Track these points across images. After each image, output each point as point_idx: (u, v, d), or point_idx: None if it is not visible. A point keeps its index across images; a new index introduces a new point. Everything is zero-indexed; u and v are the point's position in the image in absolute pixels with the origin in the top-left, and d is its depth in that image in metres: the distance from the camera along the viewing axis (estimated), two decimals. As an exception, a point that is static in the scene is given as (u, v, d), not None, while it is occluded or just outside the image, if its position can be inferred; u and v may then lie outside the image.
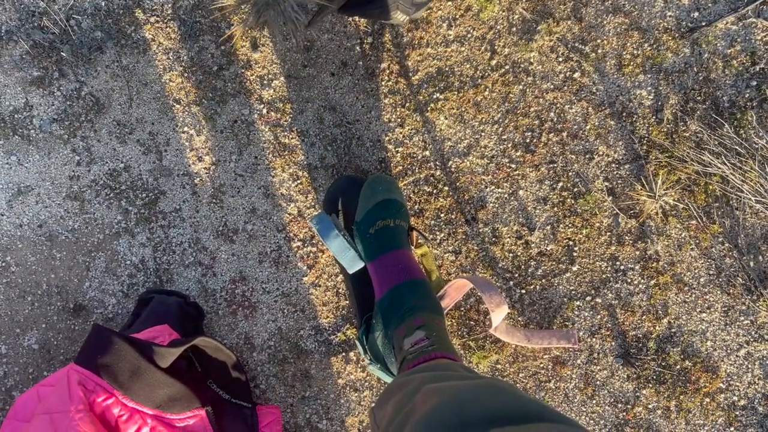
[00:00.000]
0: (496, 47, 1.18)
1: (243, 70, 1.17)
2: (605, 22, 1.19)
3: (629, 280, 1.20)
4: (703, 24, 1.20)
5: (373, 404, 1.19)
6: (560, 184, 1.20)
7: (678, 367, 1.20)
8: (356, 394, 1.19)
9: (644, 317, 1.20)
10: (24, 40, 1.13)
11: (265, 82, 1.17)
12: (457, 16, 1.18)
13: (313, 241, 1.18)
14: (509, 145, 1.19)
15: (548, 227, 1.20)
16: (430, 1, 1.07)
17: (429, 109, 1.19)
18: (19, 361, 1.15)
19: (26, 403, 0.99)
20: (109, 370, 0.94)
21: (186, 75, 1.16)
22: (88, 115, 1.15)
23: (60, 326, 1.15)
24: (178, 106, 1.16)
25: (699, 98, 1.20)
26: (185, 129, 1.16)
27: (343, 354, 1.18)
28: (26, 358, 1.15)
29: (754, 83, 1.19)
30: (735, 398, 1.20)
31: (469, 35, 1.18)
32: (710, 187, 1.20)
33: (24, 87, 1.14)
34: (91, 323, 1.13)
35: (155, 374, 0.96)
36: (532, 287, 1.20)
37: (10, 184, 1.14)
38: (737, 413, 1.20)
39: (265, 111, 1.17)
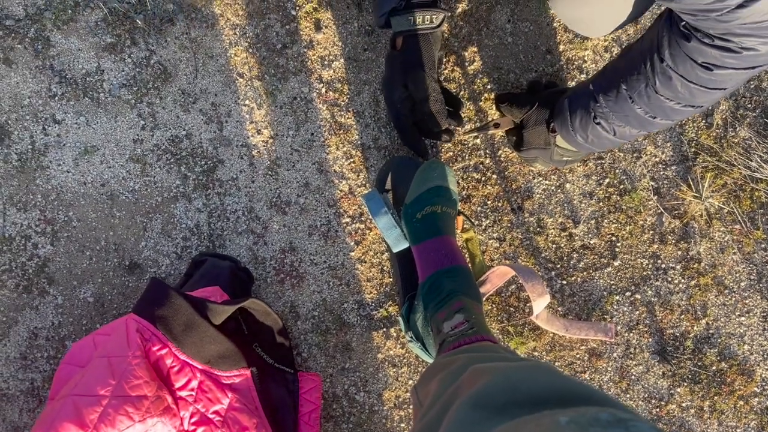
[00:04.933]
0: (551, 44, 1.21)
1: (305, 50, 1.21)
2: (662, 24, 1.21)
3: (670, 279, 1.21)
4: (759, 32, 1.21)
5: (411, 381, 1.21)
6: (607, 180, 1.22)
7: (714, 368, 1.21)
8: (394, 370, 1.22)
9: (683, 316, 1.21)
10: (101, 7, 1.18)
11: (325, 62, 1.21)
12: (516, 11, 1.21)
13: (362, 218, 1.21)
14: (559, 139, 1.21)
15: (592, 221, 1.22)
16: (566, 164, 1.14)
17: (483, 98, 1.22)
18: (74, 313, 1.19)
19: (82, 349, 1.03)
20: (165, 321, 0.98)
21: (251, 51, 1.20)
22: (155, 82, 1.20)
23: (115, 282, 1.19)
24: (241, 79, 1.20)
25: (749, 106, 1.22)
26: (246, 102, 1.20)
27: (384, 330, 1.21)
28: (81, 310, 1.19)
29: (807, 93, 1.20)
30: (769, 403, 1.21)
31: (527, 30, 1.21)
32: (756, 193, 1.21)
33: (97, 52, 1.19)
34: (145, 281, 1.17)
35: (208, 330, 1.00)
36: (573, 279, 1.22)
37: (77, 143, 1.19)
38: (771, 418, 1.21)
39: (323, 90, 1.21)
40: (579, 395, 0.61)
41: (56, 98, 1.19)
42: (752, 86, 1.22)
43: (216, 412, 0.99)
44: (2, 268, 1.18)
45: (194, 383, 0.99)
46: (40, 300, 1.19)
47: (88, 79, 1.19)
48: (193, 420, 0.98)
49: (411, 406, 1.20)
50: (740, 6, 0.64)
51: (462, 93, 1.22)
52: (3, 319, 1.18)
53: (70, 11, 1.19)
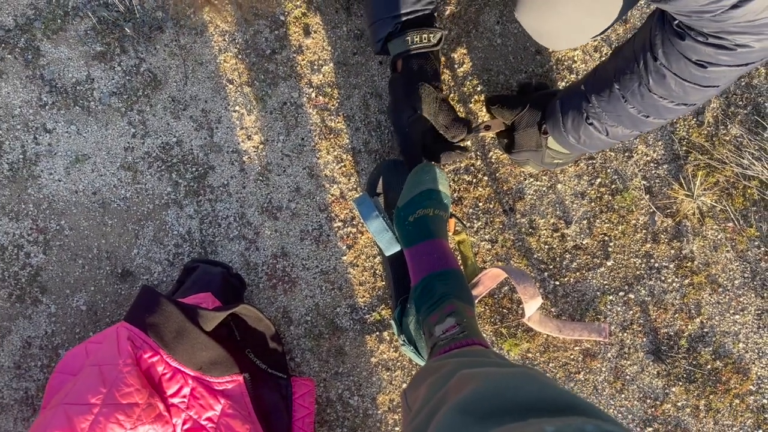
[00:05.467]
0: (541, 45, 1.21)
1: (295, 55, 1.21)
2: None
3: (663, 278, 1.21)
4: (748, 29, 1.21)
5: (404, 385, 1.21)
6: (598, 180, 1.21)
7: (709, 366, 1.21)
8: (388, 373, 1.22)
9: (677, 315, 1.21)
10: (90, 16, 1.18)
11: (315, 67, 1.21)
12: (505, 13, 1.21)
13: (354, 222, 1.21)
14: (550, 139, 1.21)
15: (585, 221, 1.21)
16: (557, 166, 1.14)
17: (473, 100, 1.22)
18: (67, 321, 1.19)
19: (74, 357, 1.03)
20: (156, 329, 0.98)
21: (240, 57, 1.21)
22: (146, 90, 1.20)
23: (107, 290, 1.19)
24: (230, 86, 1.21)
25: (740, 103, 1.22)
26: (236, 108, 1.21)
27: (377, 333, 1.21)
28: (74, 319, 1.19)
29: (798, 89, 1.20)
30: (765, 401, 1.20)
31: (516, 31, 1.21)
32: (749, 191, 1.21)
33: (87, 61, 1.20)
34: (138, 288, 1.17)
35: (199, 336, 1.00)
36: (566, 279, 1.21)
37: (68, 152, 1.19)
38: (767, 416, 1.20)
39: (313, 95, 1.21)
40: (566, 404, 0.61)
41: (47, 107, 1.19)
42: (743, 83, 1.22)
43: (209, 419, 0.99)
44: (-5, 278, 1.19)
45: (186, 390, 0.99)
46: (33, 309, 1.19)
47: (78, 87, 1.20)
48: (185, 427, 0.98)
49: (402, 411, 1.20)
50: (734, 6, 0.64)
51: (452, 95, 1.22)
52: (-4, 329, 1.19)
53: (59, 21, 1.19)
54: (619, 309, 1.21)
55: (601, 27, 0.99)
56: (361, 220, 1.15)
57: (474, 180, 1.22)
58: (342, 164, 1.21)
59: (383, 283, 1.22)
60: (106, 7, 1.19)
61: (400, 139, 1.11)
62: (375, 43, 1.08)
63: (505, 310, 1.22)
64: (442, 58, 1.21)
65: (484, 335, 1.21)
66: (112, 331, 0.99)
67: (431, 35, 1.05)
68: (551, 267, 1.22)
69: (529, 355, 1.21)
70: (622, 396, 1.21)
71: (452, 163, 1.22)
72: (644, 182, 1.22)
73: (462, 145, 1.11)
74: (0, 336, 1.19)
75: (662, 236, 1.21)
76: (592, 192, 1.22)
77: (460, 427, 0.62)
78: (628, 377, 1.21)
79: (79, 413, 0.89)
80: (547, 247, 1.22)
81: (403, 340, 1.09)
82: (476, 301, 1.16)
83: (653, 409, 1.21)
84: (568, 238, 1.22)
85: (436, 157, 1.11)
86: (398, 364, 1.22)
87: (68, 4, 1.19)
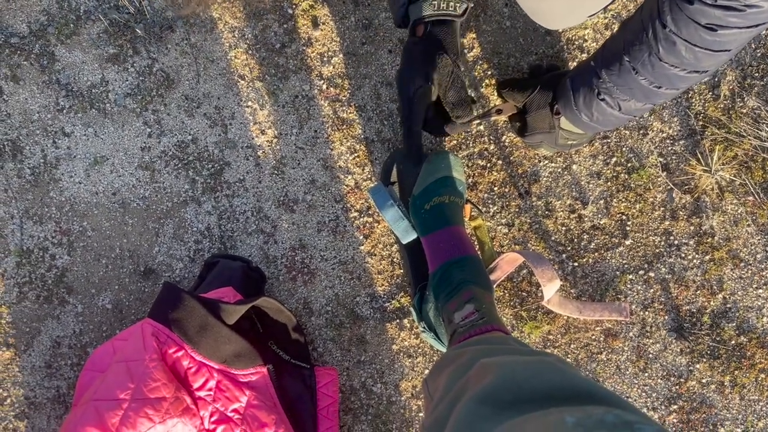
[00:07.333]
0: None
1: (304, 48, 1.22)
2: (661, -3, 1.19)
3: (683, 255, 1.20)
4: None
5: (426, 371, 1.22)
6: (614, 159, 1.21)
7: (733, 342, 1.20)
8: (410, 360, 1.23)
9: (698, 292, 1.20)
10: (102, 20, 1.20)
11: (325, 59, 1.21)
12: (513, -6, 1.20)
13: (370, 212, 1.22)
14: (563, 120, 1.20)
15: (601, 201, 1.21)
16: (571, 147, 1.13)
17: (484, 84, 1.21)
18: (94, 320, 1.22)
19: (102, 355, 1.06)
20: (179, 324, 1.00)
21: (250, 52, 1.22)
22: (159, 90, 1.22)
23: (131, 288, 1.22)
24: (242, 81, 1.22)
25: (757, 74, 1.20)
26: (249, 103, 1.22)
27: (398, 321, 1.22)
28: (100, 317, 1.22)
29: (815, 58, 1.18)
30: (792, 375, 1.19)
31: (525, 13, 1.20)
32: (768, 163, 1.19)
33: (101, 63, 1.21)
34: (160, 285, 1.19)
35: (222, 330, 1.02)
36: (584, 260, 1.21)
37: (87, 154, 1.22)
38: (794, 390, 1.19)
39: (324, 87, 1.22)
40: (586, 393, 0.62)
41: (64, 111, 1.21)
42: (759, 54, 1.20)
43: (235, 410, 1.01)
44: (23, 280, 1.22)
45: (212, 383, 1.01)
46: (60, 309, 1.22)
47: (93, 90, 1.22)
48: (213, 419, 1.00)
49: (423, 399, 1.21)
50: None
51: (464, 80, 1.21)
52: (26, 330, 1.22)
53: (72, 25, 1.21)
54: (639, 288, 1.21)
55: (599, 5, 0.97)
56: (377, 210, 1.15)
57: (488, 165, 1.21)
58: (356, 155, 1.22)
59: (401, 271, 1.22)
60: (117, 9, 1.20)
61: (404, 109, 1.05)
62: (398, 8, 1.03)
63: (524, 294, 1.22)
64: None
65: (504, 319, 1.21)
66: (137, 328, 1.01)
67: (457, 4, 1.01)
68: (569, 248, 1.21)
69: (551, 337, 1.22)
70: (646, 375, 1.21)
71: (465, 148, 1.21)
72: (661, 159, 1.20)
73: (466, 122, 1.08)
74: (30, 337, 1.22)
75: (681, 213, 1.20)
76: (608, 171, 1.21)
77: (481, 417, 0.63)
78: (651, 356, 1.21)
79: (109, 409, 0.91)
80: (564, 228, 1.21)
81: (424, 327, 1.09)
82: (495, 286, 1.16)
83: (678, 387, 1.20)
84: (586, 218, 1.21)
85: (437, 130, 1.08)
86: (419, 350, 1.23)
87: (80, 9, 1.21)
